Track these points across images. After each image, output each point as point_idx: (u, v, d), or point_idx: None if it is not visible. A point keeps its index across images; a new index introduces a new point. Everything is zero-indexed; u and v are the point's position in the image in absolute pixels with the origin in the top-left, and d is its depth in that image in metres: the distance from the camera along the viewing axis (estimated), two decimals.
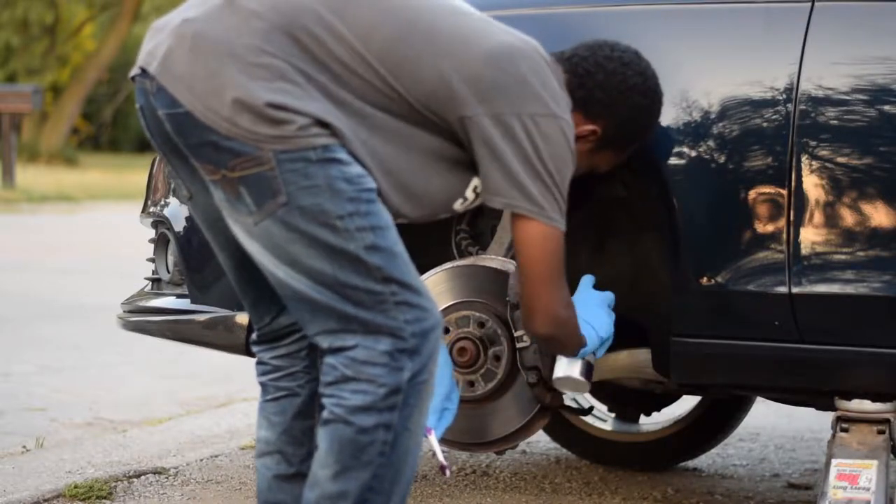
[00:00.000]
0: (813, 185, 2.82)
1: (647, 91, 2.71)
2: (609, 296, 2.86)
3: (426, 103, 2.45)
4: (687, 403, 3.93)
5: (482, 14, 2.58)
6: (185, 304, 3.35)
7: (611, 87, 2.67)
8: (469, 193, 2.57)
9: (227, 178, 2.38)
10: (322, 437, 2.42)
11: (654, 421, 3.98)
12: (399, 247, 2.42)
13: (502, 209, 2.56)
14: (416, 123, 2.47)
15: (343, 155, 2.38)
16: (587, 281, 2.88)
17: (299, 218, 2.36)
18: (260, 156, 2.35)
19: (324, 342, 2.42)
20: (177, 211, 3.35)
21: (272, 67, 2.36)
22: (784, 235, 2.83)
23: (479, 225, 3.23)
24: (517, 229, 2.53)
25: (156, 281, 3.53)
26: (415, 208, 2.51)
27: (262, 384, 2.65)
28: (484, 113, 2.46)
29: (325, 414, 2.42)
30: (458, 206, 2.58)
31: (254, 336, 2.65)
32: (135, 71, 2.47)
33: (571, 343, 2.74)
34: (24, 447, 4.01)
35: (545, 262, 2.54)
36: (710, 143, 2.88)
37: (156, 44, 2.43)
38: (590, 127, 2.67)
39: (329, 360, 2.41)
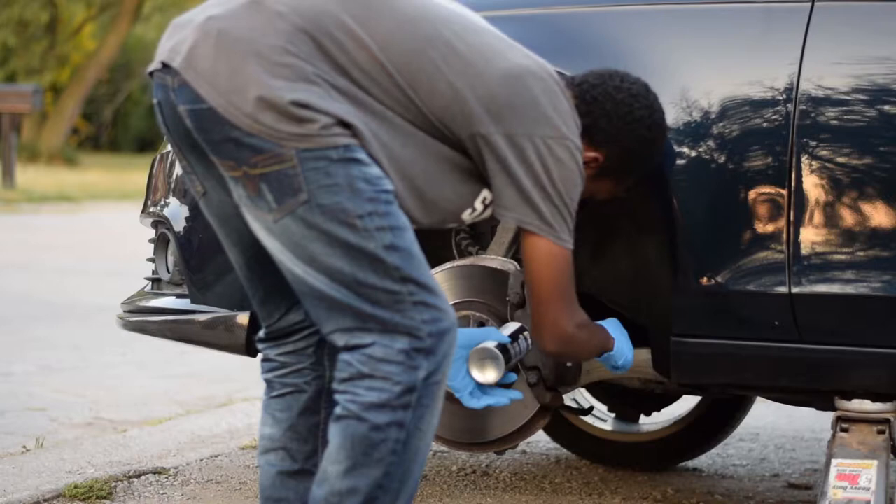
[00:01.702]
0: (813, 185, 2.82)
1: (652, 125, 2.72)
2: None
3: (440, 117, 2.48)
4: (687, 403, 3.93)
5: (500, 33, 2.59)
6: (185, 304, 3.35)
7: (617, 118, 2.68)
8: (478, 205, 2.59)
9: (248, 175, 2.39)
10: (334, 432, 2.43)
11: (654, 421, 3.99)
12: (416, 248, 2.44)
13: (515, 224, 2.59)
14: (431, 134, 2.49)
15: (363, 155, 2.40)
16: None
17: (319, 216, 2.37)
18: (282, 153, 2.36)
19: (340, 340, 2.43)
20: (177, 211, 3.36)
21: (295, 68, 2.38)
22: (784, 235, 2.83)
23: (479, 225, 3.23)
24: (527, 246, 2.57)
25: (156, 281, 3.53)
26: (427, 214, 2.54)
27: (268, 381, 2.65)
28: (497, 132, 2.49)
29: (337, 410, 2.42)
30: (467, 216, 2.61)
31: (261, 333, 2.66)
32: (154, 66, 2.48)
33: (583, 356, 2.80)
34: (24, 447, 4.01)
35: (553, 281, 2.58)
36: (710, 143, 2.88)
37: (179, 40, 2.44)
38: (592, 154, 2.68)
39: (345, 356, 2.43)
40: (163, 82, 2.46)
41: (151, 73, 2.49)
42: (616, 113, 2.68)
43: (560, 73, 2.66)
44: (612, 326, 2.89)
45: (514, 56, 2.54)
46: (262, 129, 2.36)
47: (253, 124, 2.36)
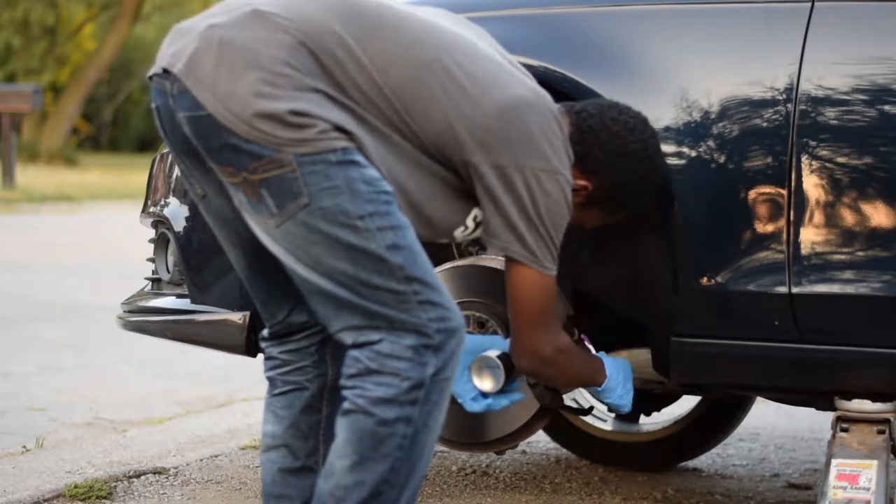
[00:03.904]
0: (813, 185, 2.82)
1: (644, 159, 2.71)
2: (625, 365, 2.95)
3: (433, 142, 2.49)
4: (687, 403, 3.93)
5: (499, 58, 2.59)
6: (185, 304, 3.35)
7: (610, 149, 2.68)
8: (470, 223, 2.61)
9: (248, 181, 2.40)
10: (341, 427, 2.44)
11: (654, 421, 3.98)
12: (418, 246, 2.45)
13: (499, 253, 2.59)
14: (426, 153, 2.51)
15: (360, 158, 2.41)
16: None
17: (321, 219, 2.38)
18: (280, 158, 2.37)
19: (348, 338, 2.44)
20: (177, 211, 3.35)
21: (294, 79, 2.39)
22: (784, 235, 2.83)
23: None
24: (511, 272, 2.59)
25: (156, 281, 3.53)
26: (422, 227, 2.55)
27: (270, 379, 2.67)
28: (486, 162, 2.50)
29: (345, 404, 2.44)
30: (459, 233, 2.62)
31: (264, 332, 2.67)
32: (155, 70, 2.48)
33: (563, 379, 2.82)
34: (24, 447, 4.01)
35: (533, 307, 2.61)
36: (710, 143, 2.88)
37: (181, 46, 2.45)
38: (582, 182, 2.68)
39: (353, 353, 2.44)
40: (162, 88, 2.47)
41: (151, 77, 2.50)
42: (610, 144, 2.67)
43: (561, 99, 2.66)
44: (614, 365, 2.90)
45: (512, 87, 2.54)
46: (259, 136, 2.37)
47: (251, 131, 2.37)
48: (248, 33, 2.41)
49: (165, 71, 2.45)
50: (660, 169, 2.77)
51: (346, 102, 2.43)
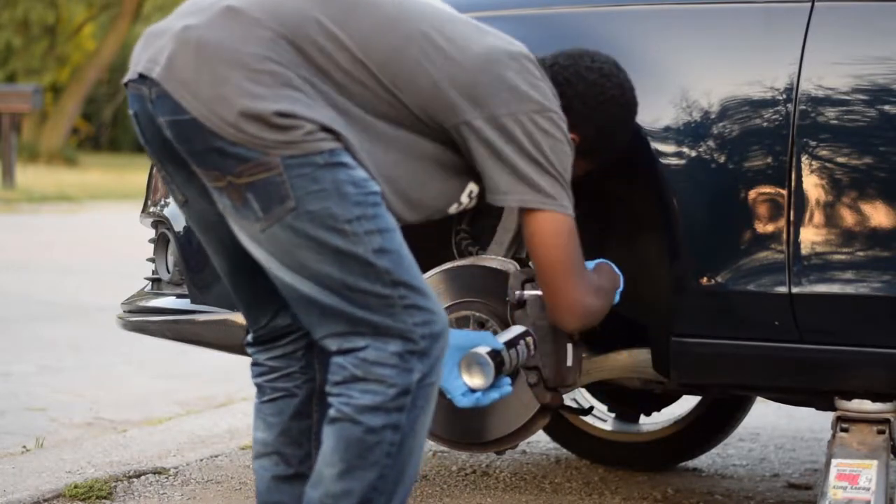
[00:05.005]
0: (813, 185, 2.82)
1: (624, 103, 2.74)
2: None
3: (425, 109, 2.48)
4: (687, 403, 3.93)
5: (472, 20, 2.59)
6: (185, 304, 3.35)
7: (590, 98, 2.70)
8: (464, 198, 2.60)
9: (233, 185, 2.37)
10: (328, 435, 2.42)
11: (654, 421, 3.99)
12: (405, 249, 2.43)
13: (516, 206, 2.58)
14: (416, 131, 2.50)
15: (348, 159, 2.39)
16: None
17: (308, 223, 2.36)
18: (267, 161, 2.34)
19: (333, 345, 2.42)
20: (177, 211, 3.35)
21: (277, 75, 2.36)
22: (784, 235, 2.83)
23: (479, 225, 3.23)
24: (532, 224, 2.55)
25: (156, 281, 3.53)
26: (413, 213, 2.54)
27: (259, 385, 2.64)
28: (480, 117, 2.49)
29: (331, 412, 2.41)
30: (454, 209, 2.61)
31: (249, 338, 2.65)
32: (131, 76, 2.44)
33: (604, 313, 2.79)
34: (24, 447, 4.01)
35: (566, 253, 2.58)
36: (710, 143, 2.88)
37: (156, 50, 2.41)
38: (570, 136, 2.68)
39: (338, 360, 2.41)
40: (139, 93, 2.42)
41: (126, 84, 2.46)
42: (589, 93, 2.70)
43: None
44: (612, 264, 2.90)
45: (486, 40, 2.55)
46: (246, 138, 2.33)
47: (237, 133, 2.33)
48: (225, 32, 2.37)
49: (142, 76, 2.41)
50: (636, 108, 2.80)
51: (329, 93, 2.40)
